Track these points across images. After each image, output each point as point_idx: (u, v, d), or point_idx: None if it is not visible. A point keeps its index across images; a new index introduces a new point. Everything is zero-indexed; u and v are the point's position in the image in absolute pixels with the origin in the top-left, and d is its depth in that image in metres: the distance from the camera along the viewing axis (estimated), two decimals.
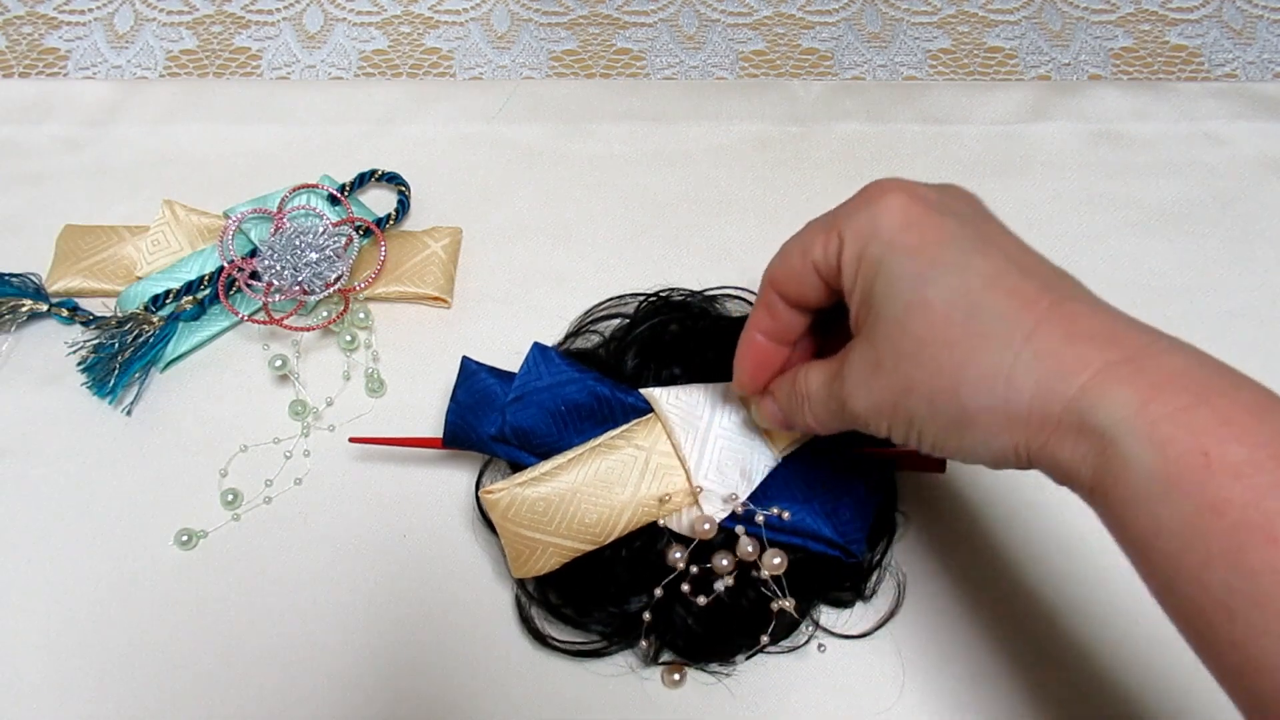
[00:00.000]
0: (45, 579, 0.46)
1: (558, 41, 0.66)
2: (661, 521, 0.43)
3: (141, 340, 0.50)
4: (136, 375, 0.50)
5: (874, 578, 0.45)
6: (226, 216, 0.53)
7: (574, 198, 0.58)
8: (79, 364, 0.50)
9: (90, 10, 0.66)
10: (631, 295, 0.52)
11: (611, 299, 0.52)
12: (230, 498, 0.48)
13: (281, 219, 0.52)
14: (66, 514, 0.47)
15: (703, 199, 0.58)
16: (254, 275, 0.51)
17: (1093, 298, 0.34)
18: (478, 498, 0.44)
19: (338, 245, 0.51)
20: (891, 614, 0.45)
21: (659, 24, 0.67)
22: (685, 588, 0.41)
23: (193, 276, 0.51)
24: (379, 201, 0.56)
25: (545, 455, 0.43)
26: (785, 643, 0.44)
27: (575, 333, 0.51)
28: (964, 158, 0.60)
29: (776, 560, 0.41)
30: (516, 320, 0.53)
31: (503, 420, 0.43)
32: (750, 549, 0.41)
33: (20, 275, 0.53)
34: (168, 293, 0.51)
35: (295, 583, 0.46)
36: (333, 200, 0.54)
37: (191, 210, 0.54)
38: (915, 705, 0.44)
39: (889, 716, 0.43)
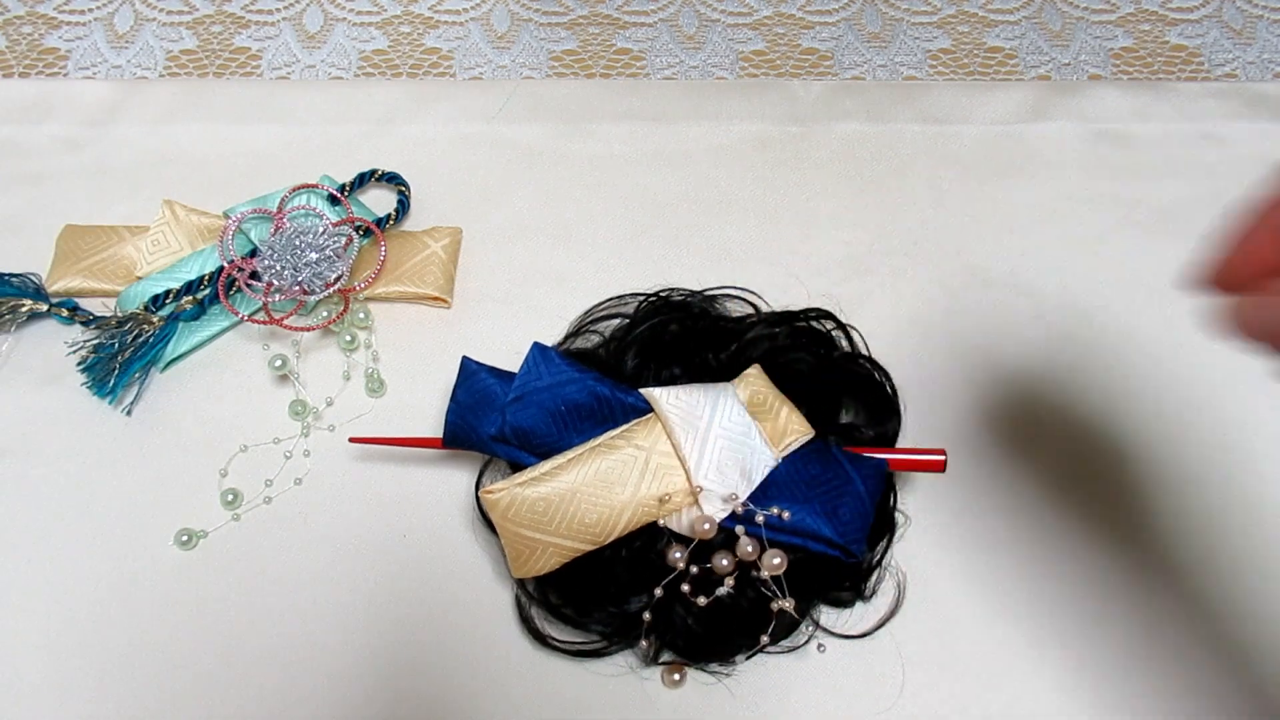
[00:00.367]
0: (45, 579, 0.46)
1: (558, 41, 0.66)
2: (661, 522, 0.43)
3: (141, 340, 0.50)
4: (136, 375, 0.50)
5: (874, 578, 0.45)
6: (226, 216, 0.53)
7: (574, 198, 0.58)
8: (79, 364, 0.50)
9: (90, 10, 0.66)
10: (631, 295, 0.52)
11: (611, 299, 0.52)
12: (230, 498, 0.48)
13: (281, 219, 0.52)
14: (66, 514, 0.47)
15: (703, 199, 0.58)
16: (254, 275, 0.51)
17: None
18: (478, 498, 0.44)
19: (338, 245, 0.51)
20: (891, 614, 0.45)
21: (659, 24, 0.67)
22: (685, 588, 0.41)
23: (193, 276, 0.51)
24: (379, 201, 0.56)
25: (545, 455, 0.43)
26: (785, 643, 0.44)
27: (575, 333, 0.51)
28: (964, 158, 0.60)
29: (776, 560, 0.41)
30: (516, 320, 0.53)
31: (503, 420, 0.43)
32: (750, 549, 0.41)
33: (20, 275, 0.53)
34: (168, 293, 0.51)
35: (295, 583, 0.46)
36: (333, 200, 0.54)
37: (191, 210, 0.54)
38: (915, 705, 0.44)
39: (889, 717, 0.43)
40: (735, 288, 0.52)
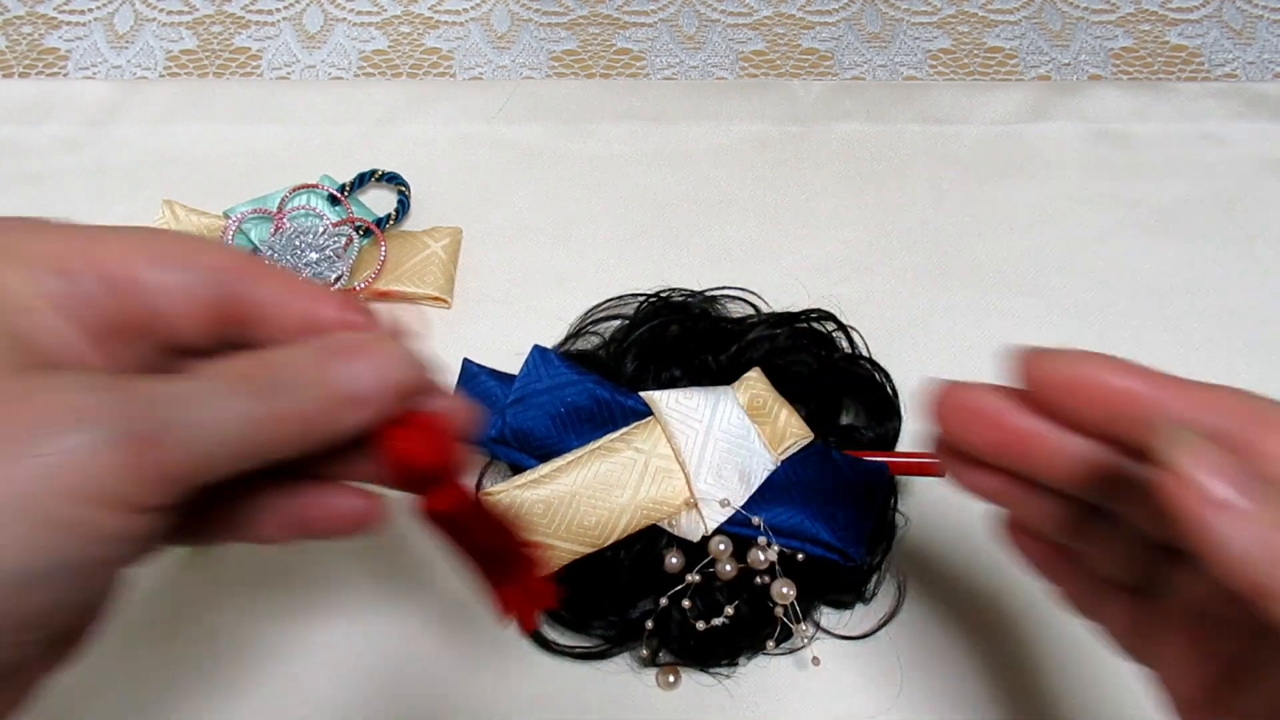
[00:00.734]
0: None
1: (558, 41, 0.66)
2: (661, 524, 0.43)
3: None
4: None
5: (874, 580, 0.45)
6: (226, 216, 0.53)
7: (574, 198, 0.58)
8: None
9: (90, 10, 0.66)
10: (631, 295, 0.52)
11: (611, 299, 0.52)
12: None
13: (281, 219, 0.52)
14: None
15: (703, 199, 0.58)
16: None
17: None
18: (477, 499, 0.44)
19: (338, 245, 0.51)
20: (891, 615, 0.45)
21: (659, 24, 0.67)
22: (687, 604, 0.41)
23: None
24: (379, 201, 0.56)
25: (545, 458, 0.43)
26: (786, 644, 0.44)
27: (575, 334, 0.51)
28: (964, 158, 0.60)
29: (785, 590, 0.41)
30: (516, 321, 0.53)
31: (503, 422, 0.43)
32: (762, 557, 0.41)
33: None
34: None
35: (293, 583, 0.46)
36: (333, 200, 0.54)
37: (191, 210, 0.54)
38: (914, 706, 0.44)
39: (888, 718, 0.43)
40: (735, 288, 0.52)
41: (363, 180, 0.56)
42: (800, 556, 0.42)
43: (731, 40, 0.66)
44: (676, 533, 0.42)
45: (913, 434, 0.49)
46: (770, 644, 0.43)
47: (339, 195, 0.54)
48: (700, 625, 0.41)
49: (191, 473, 0.22)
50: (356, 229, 0.52)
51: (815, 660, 0.43)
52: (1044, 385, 0.26)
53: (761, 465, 0.43)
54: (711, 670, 0.44)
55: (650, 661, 0.44)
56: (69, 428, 0.20)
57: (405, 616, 0.45)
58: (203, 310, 0.24)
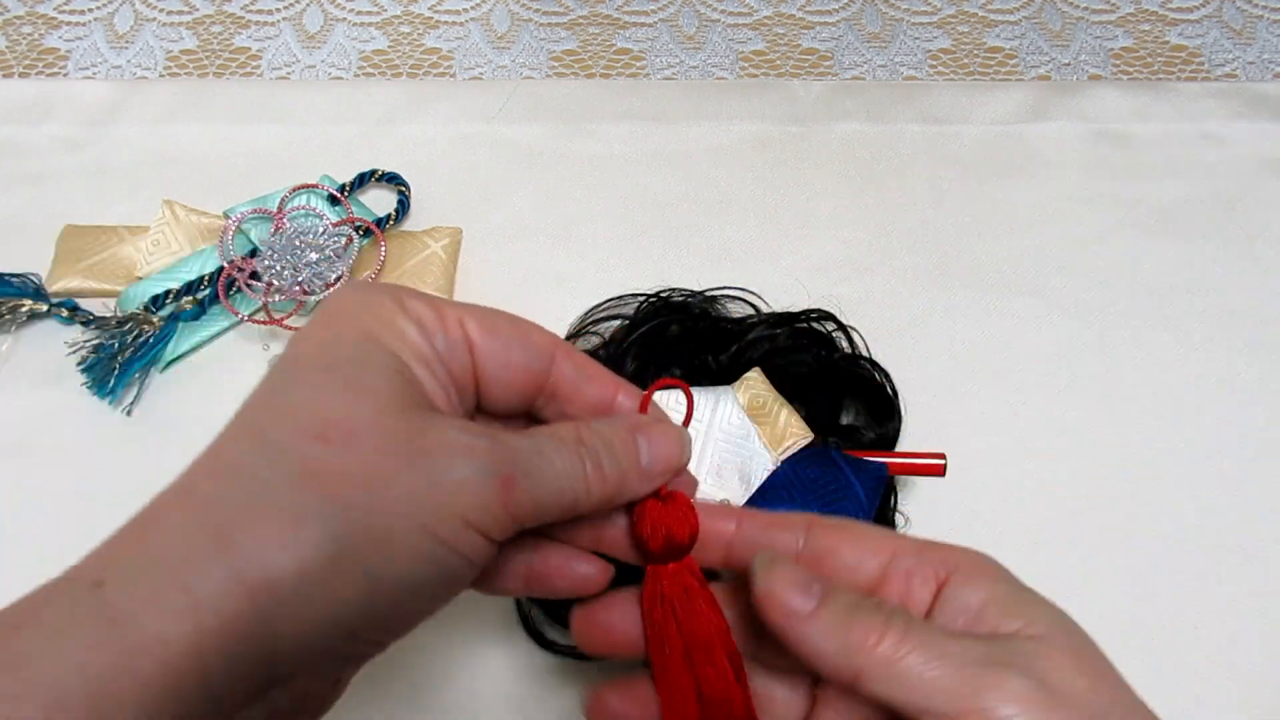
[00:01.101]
0: (45, 579, 0.46)
1: (558, 41, 0.66)
2: None
3: (141, 340, 0.50)
4: (136, 375, 0.50)
5: None
6: (226, 216, 0.53)
7: (574, 198, 0.58)
8: (79, 364, 0.50)
9: (90, 10, 0.66)
10: (631, 295, 0.52)
11: (612, 299, 0.52)
12: None
13: (281, 219, 0.52)
14: (66, 514, 0.47)
15: (703, 199, 0.58)
16: (254, 275, 0.51)
17: None
18: None
19: (338, 245, 0.51)
20: None
21: (659, 24, 0.67)
22: None
23: (193, 276, 0.51)
24: (379, 201, 0.56)
25: None
26: None
27: (575, 334, 0.51)
28: (964, 158, 0.60)
29: None
30: None
31: None
32: None
33: (20, 275, 0.53)
34: (168, 293, 0.51)
35: None
36: (333, 200, 0.54)
37: (191, 210, 0.54)
38: None
39: None
40: (735, 288, 0.52)
41: (363, 180, 0.56)
42: None
43: (731, 40, 0.66)
44: None
45: (913, 434, 0.49)
46: None
47: (339, 195, 0.54)
48: None
49: (530, 515, 0.26)
50: (356, 229, 0.52)
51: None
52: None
53: (761, 465, 0.43)
54: None
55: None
56: (461, 461, 0.24)
57: None
58: (521, 379, 0.28)
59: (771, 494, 0.42)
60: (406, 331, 0.26)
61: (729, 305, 0.52)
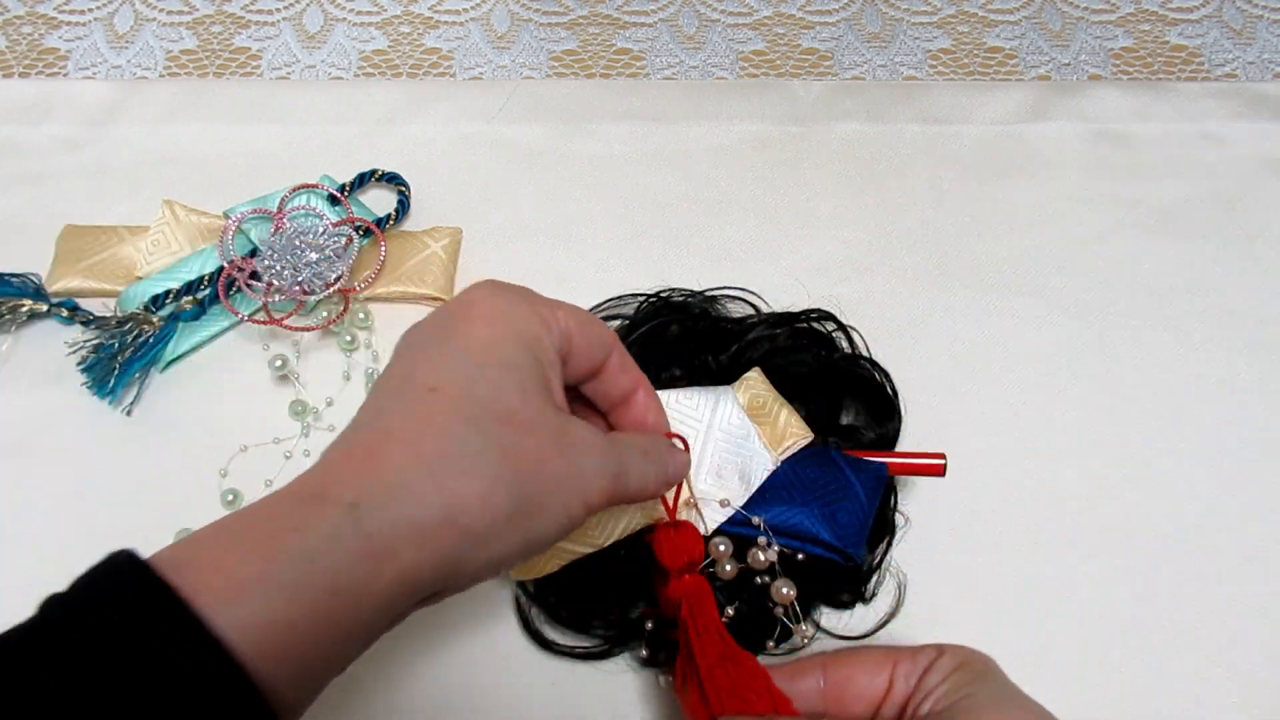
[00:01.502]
0: (45, 579, 0.46)
1: (558, 41, 0.66)
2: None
3: (141, 340, 0.50)
4: (136, 375, 0.50)
5: (874, 580, 0.45)
6: (226, 216, 0.53)
7: (574, 198, 0.58)
8: (79, 364, 0.50)
9: (90, 10, 0.66)
10: (631, 295, 0.52)
11: (611, 299, 0.52)
12: (230, 498, 0.48)
13: (281, 219, 0.52)
14: (66, 514, 0.47)
15: (703, 199, 0.58)
16: (254, 275, 0.51)
17: None
18: None
19: (338, 245, 0.51)
20: (891, 616, 0.45)
21: (659, 24, 0.67)
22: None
23: (193, 276, 0.51)
24: (379, 201, 0.56)
25: None
26: (786, 644, 0.44)
27: None
28: (964, 158, 0.60)
29: (785, 590, 0.41)
30: None
31: None
32: (762, 557, 0.41)
33: (20, 275, 0.53)
34: (168, 293, 0.51)
35: None
36: (333, 200, 0.54)
37: (191, 210, 0.54)
38: None
39: None
40: (735, 288, 0.52)
41: (363, 180, 0.56)
42: (800, 556, 0.42)
43: (731, 40, 0.66)
44: None
45: (913, 434, 0.49)
46: (770, 644, 0.43)
47: (339, 195, 0.54)
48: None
49: (617, 501, 0.34)
50: (356, 229, 0.52)
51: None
52: None
53: (761, 465, 0.43)
54: None
55: (650, 661, 0.44)
56: (592, 455, 0.32)
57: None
58: (591, 365, 0.36)
59: (771, 494, 0.42)
60: (541, 336, 0.33)
61: (729, 305, 0.52)
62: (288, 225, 0.52)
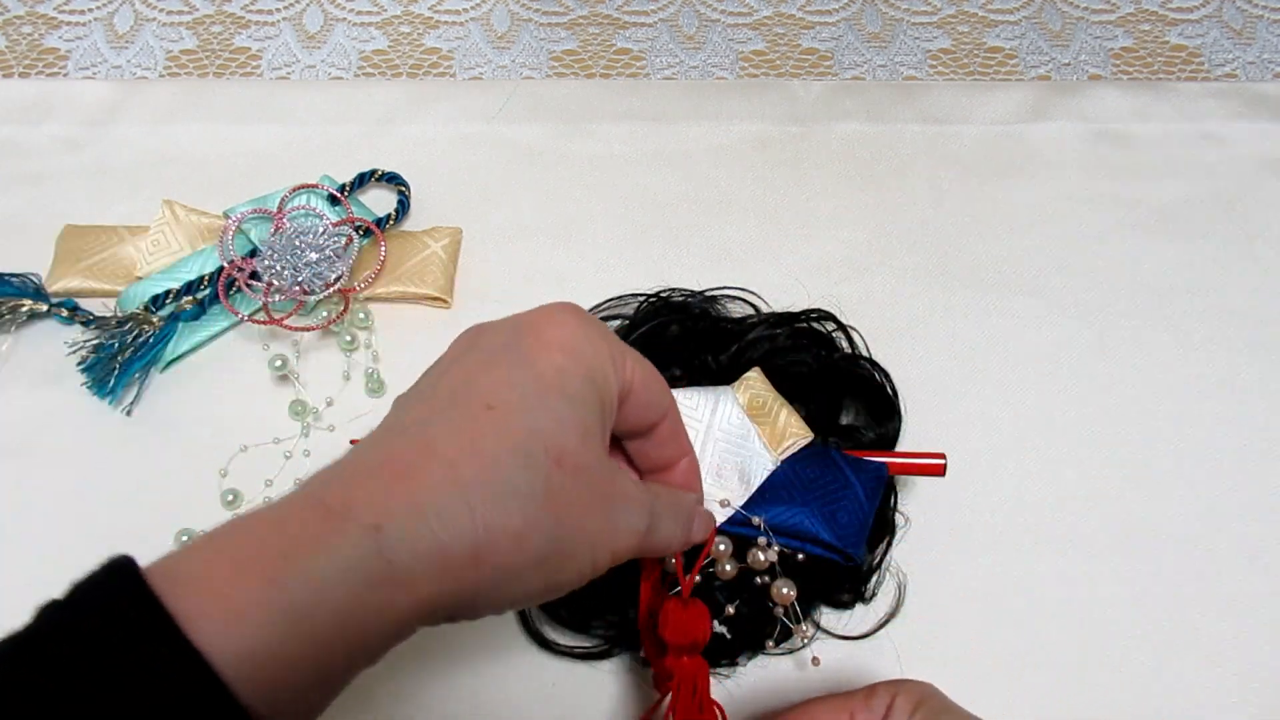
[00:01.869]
0: (45, 579, 0.46)
1: (558, 41, 0.66)
2: None
3: (141, 340, 0.50)
4: (136, 375, 0.50)
5: (874, 580, 0.45)
6: (226, 216, 0.53)
7: (574, 198, 0.58)
8: (79, 364, 0.50)
9: (90, 10, 0.66)
10: (631, 295, 0.52)
11: (611, 299, 0.52)
12: (230, 498, 0.48)
13: (281, 219, 0.52)
14: (66, 514, 0.48)
15: (703, 199, 0.58)
16: (254, 275, 0.51)
17: None
18: None
19: (338, 245, 0.51)
20: (891, 616, 0.45)
21: (659, 24, 0.67)
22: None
23: (193, 276, 0.51)
24: (379, 201, 0.56)
25: None
26: (785, 644, 0.44)
27: None
28: (964, 158, 0.60)
29: (785, 590, 0.41)
30: None
31: None
32: (762, 557, 0.41)
33: (20, 275, 0.53)
34: (168, 293, 0.51)
35: None
36: (333, 200, 0.54)
37: (191, 210, 0.54)
38: None
39: None
40: (735, 288, 0.52)
41: (363, 180, 0.56)
42: (800, 556, 0.42)
43: (731, 40, 0.66)
44: None
45: (913, 434, 0.49)
46: (770, 644, 0.43)
47: (339, 195, 0.54)
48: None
49: (644, 553, 0.33)
50: (356, 229, 0.52)
51: (815, 660, 0.43)
52: None
53: (761, 465, 0.43)
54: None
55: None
56: (631, 510, 0.32)
57: None
58: (643, 422, 0.34)
59: (771, 494, 0.42)
60: (610, 378, 0.31)
61: (729, 305, 0.52)
62: (288, 225, 0.52)
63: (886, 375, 0.49)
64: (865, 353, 0.51)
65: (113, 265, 0.53)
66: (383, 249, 0.53)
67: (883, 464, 0.44)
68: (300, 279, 0.50)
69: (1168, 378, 0.52)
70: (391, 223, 0.54)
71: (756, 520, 0.42)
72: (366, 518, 0.26)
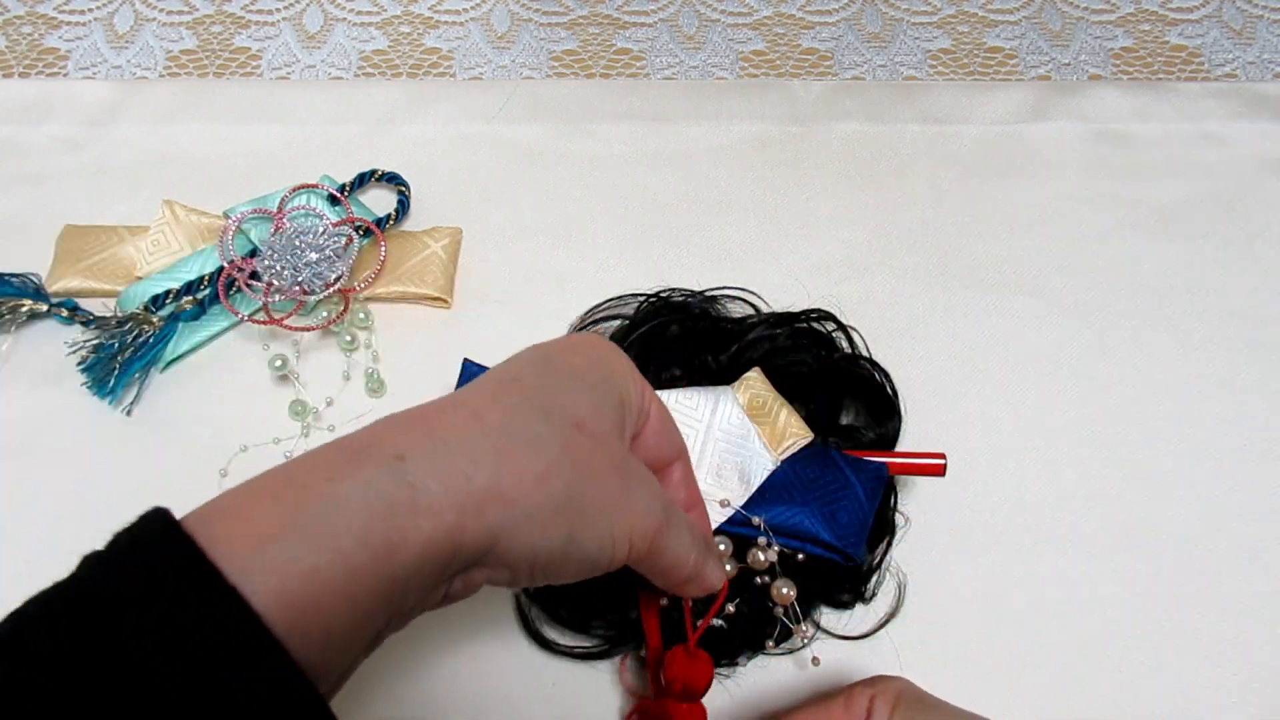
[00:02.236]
0: (45, 579, 0.46)
1: (558, 41, 0.66)
2: None
3: (141, 340, 0.50)
4: (136, 375, 0.50)
5: (874, 580, 0.45)
6: (226, 216, 0.53)
7: (574, 198, 0.58)
8: (79, 364, 0.50)
9: (90, 10, 0.66)
10: (631, 295, 0.52)
11: (611, 299, 0.52)
12: None
13: (281, 219, 0.52)
14: (66, 514, 0.47)
15: (703, 199, 0.58)
16: (254, 275, 0.51)
17: None
18: None
19: (338, 245, 0.51)
20: (891, 616, 0.45)
21: (659, 24, 0.67)
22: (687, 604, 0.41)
23: (193, 276, 0.51)
24: (379, 201, 0.56)
25: None
26: (785, 644, 0.44)
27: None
28: (964, 158, 0.60)
29: (785, 590, 0.41)
30: (516, 320, 0.53)
31: None
32: (761, 557, 0.41)
33: (20, 275, 0.53)
34: (168, 293, 0.51)
35: None
36: (333, 200, 0.54)
37: (191, 210, 0.54)
38: None
39: None
40: (735, 288, 0.52)
41: (363, 180, 0.56)
42: (800, 556, 0.42)
43: (731, 40, 0.66)
44: None
45: (913, 434, 0.49)
46: (770, 644, 0.43)
47: (339, 195, 0.54)
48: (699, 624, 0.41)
49: (652, 557, 0.33)
50: (356, 229, 0.52)
51: (815, 660, 0.43)
52: None
53: (761, 465, 0.43)
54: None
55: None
56: (647, 489, 0.32)
57: None
58: (660, 463, 0.36)
59: (771, 494, 0.42)
60: (630, 393, 0.34)
61: (729, 305, 0.52)
62: (288, 225, 0.52)
63: (886, 375, 0.49)
64: (865, 353, 0.51)
65: (113, 265, 0.53)
66: (383, 249, 0.53)
67: (883, 464, 0.44)
68: (300, 279, 0.50)
69: (1168, 378, 0.52)
70: (391, 223, 0.54)
71: (756, 520, 0.42)
72: (390, 450, 0.28)
